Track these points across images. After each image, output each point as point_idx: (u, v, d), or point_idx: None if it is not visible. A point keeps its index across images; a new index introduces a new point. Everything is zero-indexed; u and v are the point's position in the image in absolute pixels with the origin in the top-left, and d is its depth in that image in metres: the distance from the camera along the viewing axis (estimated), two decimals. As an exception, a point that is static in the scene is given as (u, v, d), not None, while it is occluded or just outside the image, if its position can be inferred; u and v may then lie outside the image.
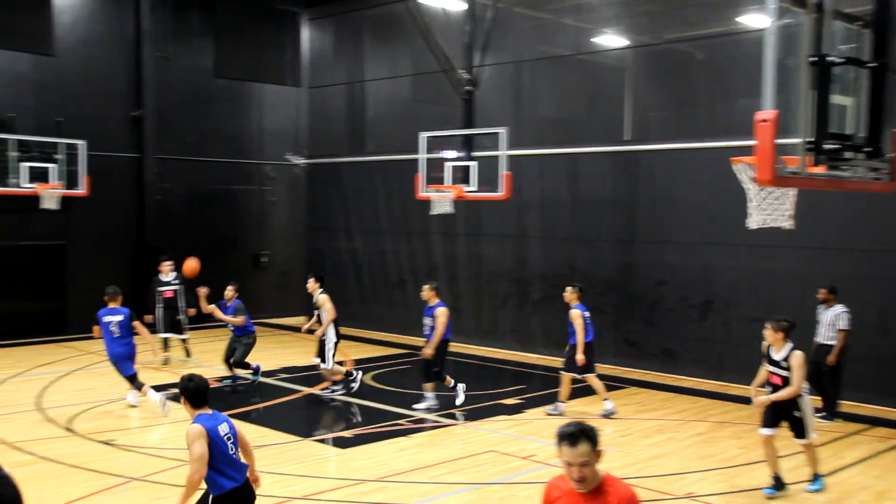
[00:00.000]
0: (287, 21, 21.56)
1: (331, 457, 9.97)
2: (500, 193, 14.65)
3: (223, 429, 5.93)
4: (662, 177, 14.85)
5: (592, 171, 15.76)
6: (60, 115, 17.85)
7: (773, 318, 8.59)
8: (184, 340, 15.49)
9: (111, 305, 11.62)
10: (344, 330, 18.94)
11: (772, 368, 8.60)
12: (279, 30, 21.44)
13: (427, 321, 11.96)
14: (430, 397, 12.15)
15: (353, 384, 13.19)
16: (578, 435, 4.09)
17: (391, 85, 19.65)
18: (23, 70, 17.65)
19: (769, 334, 8.56)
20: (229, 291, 13.65)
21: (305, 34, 21.77)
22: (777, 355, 8.52)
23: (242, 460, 6.08)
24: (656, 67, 15.86)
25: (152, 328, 15.18)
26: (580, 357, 11.55)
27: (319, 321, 12.96)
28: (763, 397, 8.59)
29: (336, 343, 12.96)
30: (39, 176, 16.93)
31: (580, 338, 11.57)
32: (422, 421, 11.62)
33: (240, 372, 13.77)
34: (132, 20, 18.96)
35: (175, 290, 15.19)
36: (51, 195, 17.00)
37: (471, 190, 15.06)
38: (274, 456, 9.88)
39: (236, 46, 20.70)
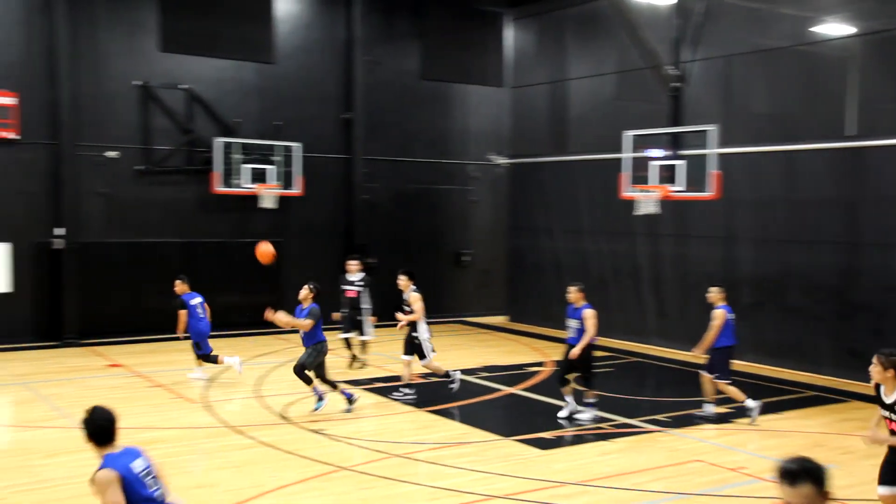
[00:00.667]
0: (491, 22, 21.76)
1: (532, 457, 9.90)
2: (709, 193, 14.07)
3: (138, 465, 5.04)
4: (892, 174, 13.70)
5: (811, 170, 14.80)
6: (279, 118, 18.95)
7: (881, 352, 6.78)
8: (363, 342, 14.93)
9: (187, 291, 13.56)
10: (544, 330, 19.05)
11: (885, 413, 6.89)
12: (483, 31, 21.68)
13: (573, 323, 11.44)
14: (591, 402, 11.71)
15: (452, 385, 12.69)
16: (799, 474, 3.63)
17: (594, 83, 19.34)
18: (247, 78, 18.88)
19: (877, 372, 6.79)
20: (304, 292, 11.73)
21: (509, 34, 21.88)
22: (890, 398, 6.79)
23: (167, 498, 5.16)
24: (887, 56, 14.64)
25: (337, 327, 14.99)
26: (701, 348, 11.59)
27: None
28: (881, 436, 6.96)
29: (428, 339, 12.58)
30: (259, 177, 18.13)
31: (710, 336, 11.42)
32: (625, 426, 11.33)
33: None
34: (344, 26, 19.84)
35: (358, 291, 14.79)
36: (269, 195, 18.13)
37: (677, 190, 14.57)
38: (476, 454, 9.96)
39: (442, 48, 21.13)
